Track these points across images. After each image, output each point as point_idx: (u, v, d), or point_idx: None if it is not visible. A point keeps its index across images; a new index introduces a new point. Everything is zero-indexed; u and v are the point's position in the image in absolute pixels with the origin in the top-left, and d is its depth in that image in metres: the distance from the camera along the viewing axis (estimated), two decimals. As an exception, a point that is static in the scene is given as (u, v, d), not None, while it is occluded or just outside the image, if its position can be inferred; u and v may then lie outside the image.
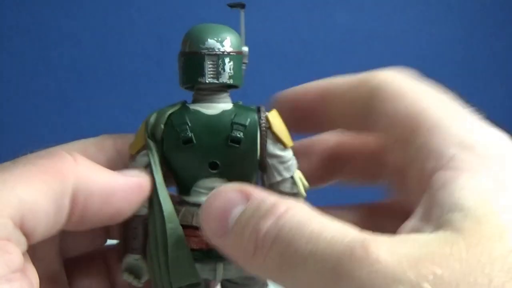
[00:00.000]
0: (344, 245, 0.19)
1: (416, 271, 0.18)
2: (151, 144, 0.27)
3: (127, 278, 0.28)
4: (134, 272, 0.29)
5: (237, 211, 0.23)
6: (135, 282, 0.29)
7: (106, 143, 0.28)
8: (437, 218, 0.20)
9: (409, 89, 0.25)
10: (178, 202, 0.28)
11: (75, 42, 1.02)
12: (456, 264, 0.18)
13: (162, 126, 0.26)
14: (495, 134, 0.24)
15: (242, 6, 0.28)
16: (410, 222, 0.22)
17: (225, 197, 0.24)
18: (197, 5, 1.02)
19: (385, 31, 1.04)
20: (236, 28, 0.28)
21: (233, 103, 0.27)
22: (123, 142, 0.28)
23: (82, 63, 1.03)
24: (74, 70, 1.03)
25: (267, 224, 0.21)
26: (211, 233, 0.24)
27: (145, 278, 0.29)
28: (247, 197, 0.24)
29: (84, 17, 1.02)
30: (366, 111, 0.26)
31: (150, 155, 0.27)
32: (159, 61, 1.03)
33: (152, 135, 0.27)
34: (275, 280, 0.22)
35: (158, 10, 1.03)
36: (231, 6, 0.28)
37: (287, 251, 0.21)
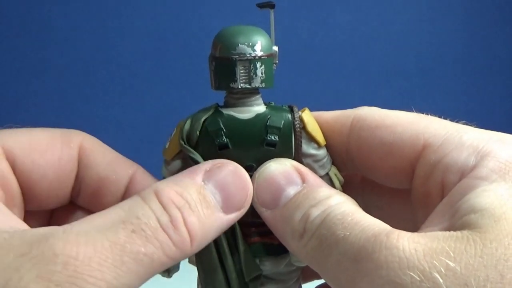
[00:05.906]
0: (372, 233, 0.21)
1: (430, 261, 0.19)
2: (189, 148, 0.27)
3: None
4: None
5: (292, 189, 0.25)
6: (165, 275, 0.29)
7: (73, 139, 0.28)
8: (455, 221, 0.21)
9: (392, 113, 0.27)
10: None
11: (75, 42, 1.02)
12: (470, 260, 0.19)
13: (198, 133, 0.26)
14: (503, 137, 0.24)
15: (272, 6, 0.28)
16: (428, 227, 0.22)
17: (283, 172, 0.25)
18: (195, 4, 1.02)
19: (385, 31, 1.05)
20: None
21: (265, 104, 0.27)
22: (90, 141, 0.28)
23: (82, 63, 1.02)
24: (74, 70, 1.02)
25: (318, 211, 0.23)
26: (262, 202, 0.25)
27: (174, 272, 0.30)
28: (302, 179, 0.25)
29: (83, 17, 1.02)
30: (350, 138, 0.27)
31: (192, 155, 0.27)
32: (159, 61, 1.03)
33: (187, 141, 0.27)
34: (310, 262, 0.24)
35: (158, 10, 1.03)
36: (260, 6, 0.28)
37: (326, 234, 0.22)
